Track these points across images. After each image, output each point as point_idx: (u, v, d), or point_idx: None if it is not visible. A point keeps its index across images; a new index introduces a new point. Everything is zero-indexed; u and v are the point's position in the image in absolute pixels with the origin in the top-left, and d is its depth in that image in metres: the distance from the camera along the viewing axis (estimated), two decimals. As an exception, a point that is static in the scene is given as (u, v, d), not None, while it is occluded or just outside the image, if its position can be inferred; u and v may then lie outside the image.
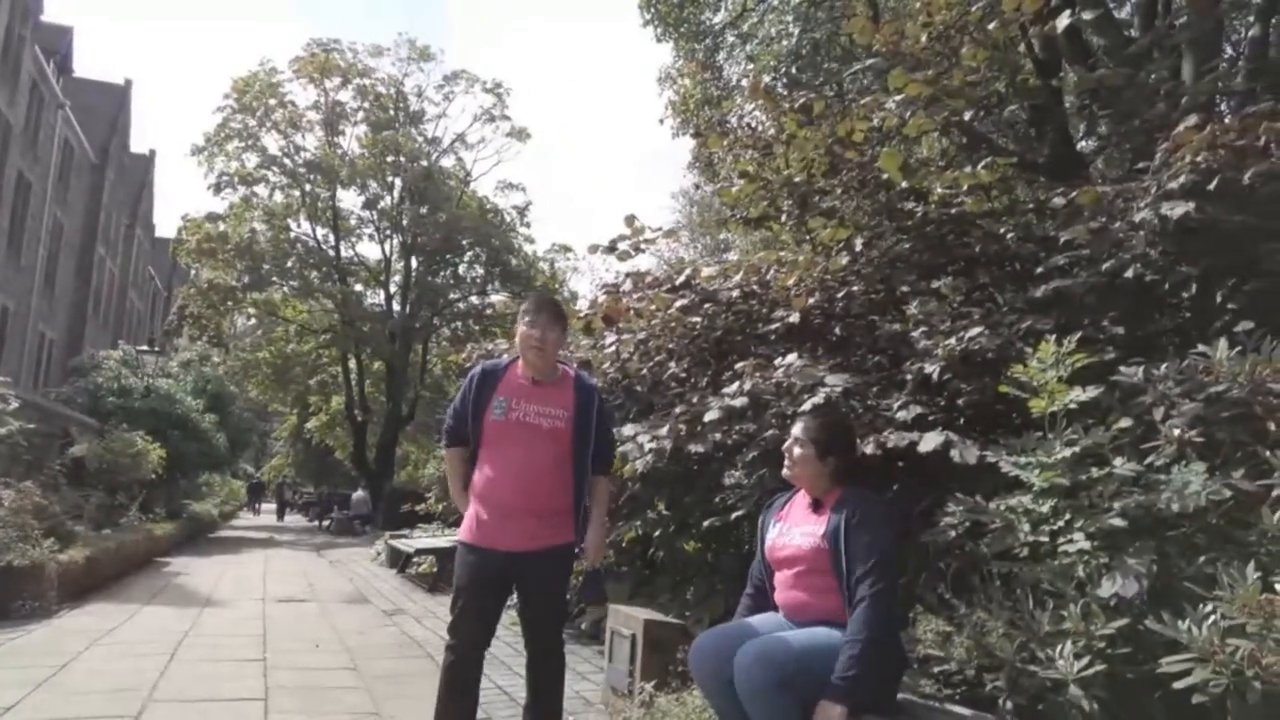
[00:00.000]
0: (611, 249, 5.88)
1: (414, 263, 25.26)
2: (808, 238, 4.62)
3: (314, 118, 23.82)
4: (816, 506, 2.69)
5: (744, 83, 9.69)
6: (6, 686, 3.87)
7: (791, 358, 4.01)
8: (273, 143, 23.65)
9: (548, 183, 66.93)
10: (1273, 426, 2.92)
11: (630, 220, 5.53)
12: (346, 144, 24.53)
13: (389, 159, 23.96)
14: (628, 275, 5.00)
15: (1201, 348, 3.18)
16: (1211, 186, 3.18)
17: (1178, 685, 2.23)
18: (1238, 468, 2.94)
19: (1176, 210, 3.33)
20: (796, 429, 2.78)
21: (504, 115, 25.42)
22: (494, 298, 26.78)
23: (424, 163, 24.58)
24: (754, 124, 7.02)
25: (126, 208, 33.99)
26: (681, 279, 4.54)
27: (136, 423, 12.83)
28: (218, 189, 22.99)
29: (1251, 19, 8.55)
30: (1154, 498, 2.77)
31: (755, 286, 4.86)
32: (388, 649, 5.26)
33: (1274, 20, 6.35)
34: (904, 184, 4.15)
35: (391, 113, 24.66)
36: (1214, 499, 2.64)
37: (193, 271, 24.25)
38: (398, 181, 24.43)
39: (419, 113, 25.33)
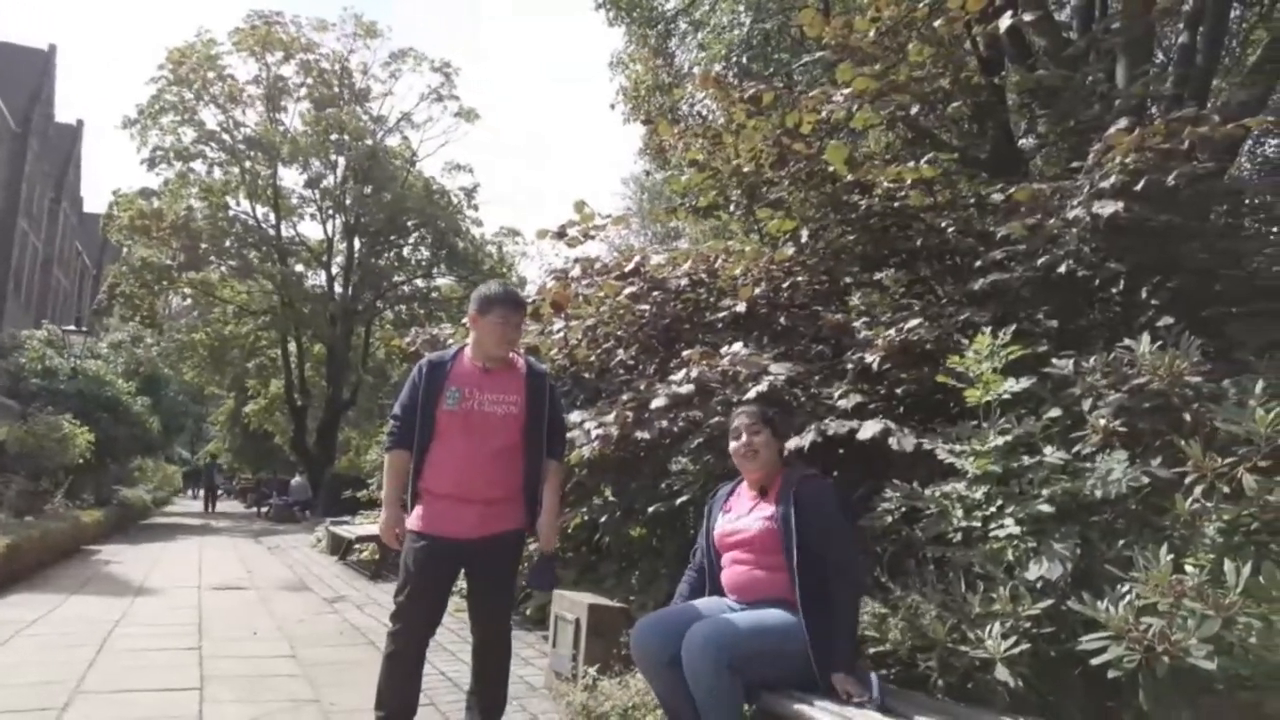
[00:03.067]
0: (561, 234, 5.86)
1: (357, 244, 24.68)
2: (755, 228, 4.66)
3: (255, 93, 23.05)
4: (763, 492, 2.75)
5: (696, 70, 9.72)
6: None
7: (737, 346, 4.06)
8: (211, 117, 22.84)
9: (497, 166, 66.07)
10: (1188, 417, 3.08)
11: (580, 206, 5.51)
12: (289, 120, 23.82)
13: (332, 136, 23.32)
14: (577, 261, 4.98)
15: (1127, 342, 3.34)
16: (1139, 187, 3.31)
17: (1095, 661, 2.35)
18: (1157, 455, 3.10)
19: (1107, 209, 3.46)
20: (746, 418, 2.79)
21: (452, 95, 24.98)
22: (440, 281, 26.39)
23: (369, 141, 23.98)
24: (705, 112, 7.05)
25: (51, 180, 32.44)
26: (630, 266, 4.55)
27: (62, 405, 12.31)
28: (152, 164, 22.10)
29: (1181, 25, 8.90)
30: (1080, 484, 2.90)
31: (704, 275, 4.90)
32: (329, 636, 5.19)
33: (1200, 28, 6.61)
34: (849, 177, 4.21)
35: (336, 89, 23.98)
36: (1133, 486, 2.78)
37: (125, 250, 23.27)
38: (341, 160, 23.80)
39: (364, 90, 24.70)
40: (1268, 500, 2.60)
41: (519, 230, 27.58)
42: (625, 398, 3.77)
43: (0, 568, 6.74)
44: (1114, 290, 4.01)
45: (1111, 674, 2.33)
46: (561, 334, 4.65)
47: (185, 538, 13.77)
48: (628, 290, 4.77)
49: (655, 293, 4.51)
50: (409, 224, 24.67)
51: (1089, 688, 2.55)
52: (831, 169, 4.55)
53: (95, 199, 45.11)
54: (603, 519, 4.75)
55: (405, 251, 25.98)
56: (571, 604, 3.75)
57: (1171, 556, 2.47)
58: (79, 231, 39.52)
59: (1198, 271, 3.89)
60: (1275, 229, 4.23)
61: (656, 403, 3.55)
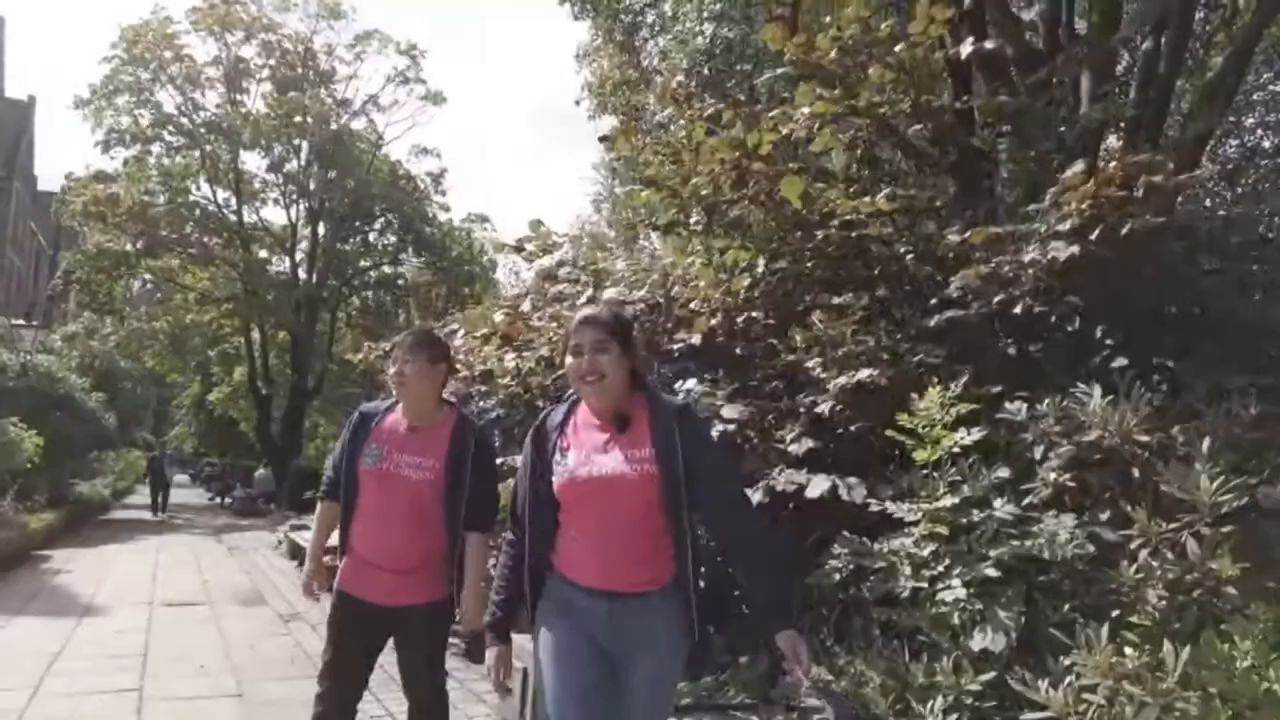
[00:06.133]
0: (519, 249, 5.75)
1: (321, 229, 24.22)
2: (712, 257, 4.57)
3: (214, 74, 22.40)
4: (621, 423, 2.04)
5: (661, 72, 9.56)
6: None
7: (691, 383, 3.99)
8: (168, 99, 22.17)
9: (467, 151, 65.19)
10: (1136, 473, 3.08)
11: (536, 225, 5.40)
12: (250, 103, 23.19)
13: (296, 119, 22.76)
14: (527, 294, 4.86)
15: (1081, 388, 3.32)
16: (1094, 236, 3.28)
17: (1036, 740, 2.34)
18: (1105, 509, 3.10)
19: (1063, 253, 3.43)
20: (588, 331, 2.04)
21: (419, 79, 24.47)
22: (407, 268, 26.01)
23: (333, 125, 23.46)
24: (666, 120, 6.91)
25: (1, 158, 31.43)
26: (585, 298, 4.45)
27: (10, 404, 11.93)
28: (107, 146, 21.44)
29: (1147, 29, 8.90)
30: (1028, 545, 2.88)
31: (660, 298, 4.81)
32: (278, 666, 5.08)
33: (1164, 34, 6.59)
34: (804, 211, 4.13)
35: (300, 70, 23.36)
36: (1079, 553, 2.76)
37: (80, 234, 22.63)
38: (305, 144, 23.27)
39: (329, 72, 24.11)
40: (1209, 567, 2.60)
41: (488, 216, 27.26)
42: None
43: (-60, 588, 6.51)
44: (1068, 328, 3.98)
45: (1052, 754, 2.32)
46: (514, 363, 4.54)
47: (143, 537, 13.52)
48: (580, 302, 4.68)
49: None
50: (375, 209, 24.24)
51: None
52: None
53: (51, 178, 43.76)
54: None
55: (371, 237, 25.54)
56: (519, 650, 3.68)
57: (1113, 635, 2.47)
58: (32, 211, 38.38)
59: (1149, 311, 3.88)
60: (1224, 264, 4.23)
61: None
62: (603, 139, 7.44)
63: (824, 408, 3.44)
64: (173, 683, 4.60)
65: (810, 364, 3.76)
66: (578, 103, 10.95)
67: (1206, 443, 2.92)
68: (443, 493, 2.63)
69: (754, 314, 4.10)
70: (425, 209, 25.22)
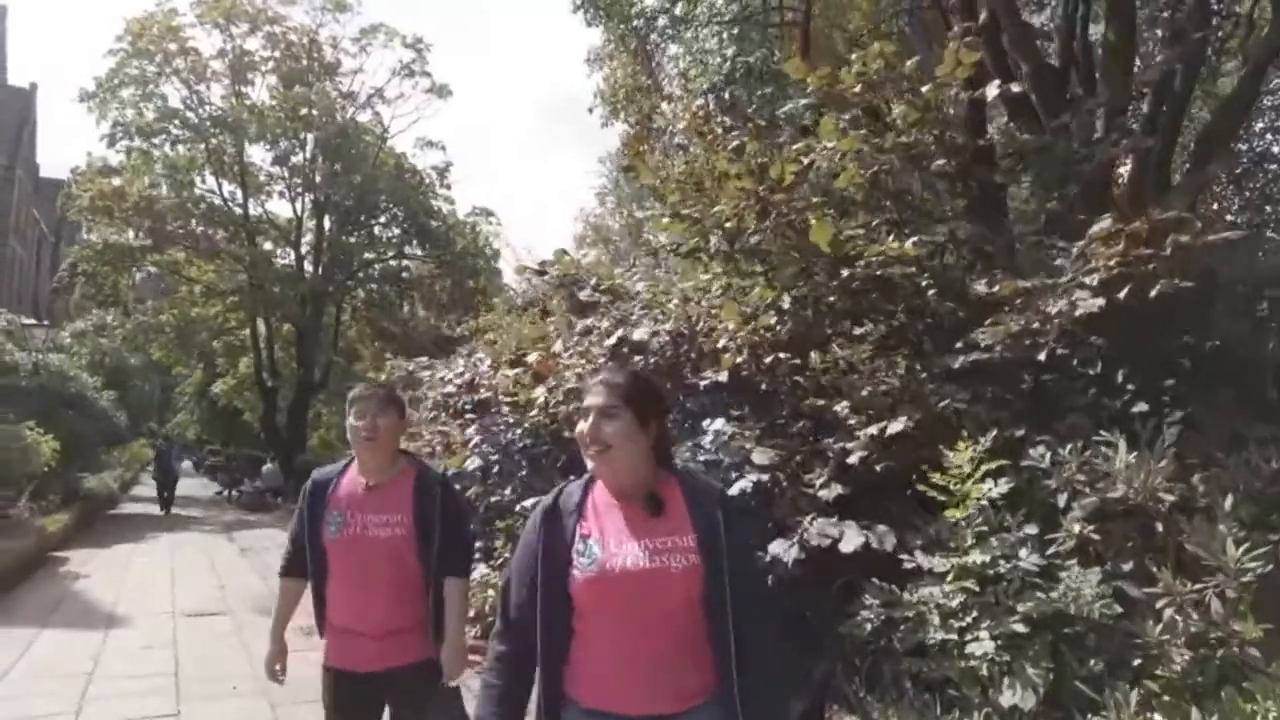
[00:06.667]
0: (541, 273, 5.83)
1: (327, 222, 24.23)
2: (736, 291, 4.65)
3: (219, 67, 22.32)
4: (653, 505, 1.74)
5: (675, 82, 9.57)
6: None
7: (720, 423, 4.07)
8: (174, 93, 22.11)
9: (473, 145, 65.00)
10: (1160, 527, 3.17)
11: (561, 254, 5.48)
12: (256, 95, 23.14)
13: (301, 112, 22.71)
14: (554, 335, 4.93)
15: (1104, 435, 3.41)
16: (1122, 295, 3.35)
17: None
18: (1128, 560, 3.20)
19: (1090, 305, 3.50)
20: (595, 394, 1.77)
21: (424, 71, 24.37)
22: (411, 261, 26.02)
23: (338, 118, 23.42)
24: (676, 131, 6.94)
25: (4, 146, 31.35)
26: (614, 339, 4.52)
27: (23, 404, 12.03)
28: (112, 140, 21.39)
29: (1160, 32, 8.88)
30: (1054, 599, 2.98)
31: (684, 329, 4.89)
32: (308, 687, 5.13)
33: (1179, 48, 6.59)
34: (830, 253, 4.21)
35: (305, 63, 23.30)
36: (1105, 612, 2.85)
37: (84, 226, 22.63)
38: (310, 137, 23.24)
39: (334, 64, 24.04)
40: (1233, 628, 2.70)
41: (493, 210, 27.20)
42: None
43: (-33, 597, 6.62)
44: (1090, 371, 4.06)
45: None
46: (542, 397, 4.62)
47: (153, 535, 13.61)
48: (609, 343, 4.77)
49: (636, 358, 4.49)
50: (380, 202, 24.23)
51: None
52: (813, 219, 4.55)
53: (52, 165, 43.66)
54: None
55: (376, 230, 25.54)
56: None
57: (1134, 686, 2.56)
58: (35, 199, 38.28)
59: (1168, 355, 3.96)
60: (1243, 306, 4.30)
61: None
62: (626, 169, 7.49)
63: (855, 458, 3.52)
64: (209, 706, 4.70)
65: (838, 408, 3.85)
66: (591, 110, 10.98)
67: (1229, 501, 3.02)
68: (416, 545, 2.55)
69: (780, 354, 4.17)
70: (430, 203, 25.21)
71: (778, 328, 4.41)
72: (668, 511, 1.74)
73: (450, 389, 5.63)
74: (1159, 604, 2.80)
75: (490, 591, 6.29)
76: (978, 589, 3.06)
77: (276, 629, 2.76)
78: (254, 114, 22.26)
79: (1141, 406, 3.65)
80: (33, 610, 7.24)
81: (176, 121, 21.92)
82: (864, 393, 3.99)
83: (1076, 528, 3.19)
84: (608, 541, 1.71)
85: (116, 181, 21.16)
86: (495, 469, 5.00)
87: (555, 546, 1.73)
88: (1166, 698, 2.67)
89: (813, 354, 4.08)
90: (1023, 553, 3.17)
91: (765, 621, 1.76)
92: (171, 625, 6.81)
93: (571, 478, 1.89)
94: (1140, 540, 3.18)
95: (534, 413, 4.71)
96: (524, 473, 4.91)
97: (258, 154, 23.47)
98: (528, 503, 4.37)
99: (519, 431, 4.96)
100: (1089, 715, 2.63)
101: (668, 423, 1.80)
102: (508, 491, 4.93)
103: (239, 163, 22.81)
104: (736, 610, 1.69)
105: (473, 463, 5.05)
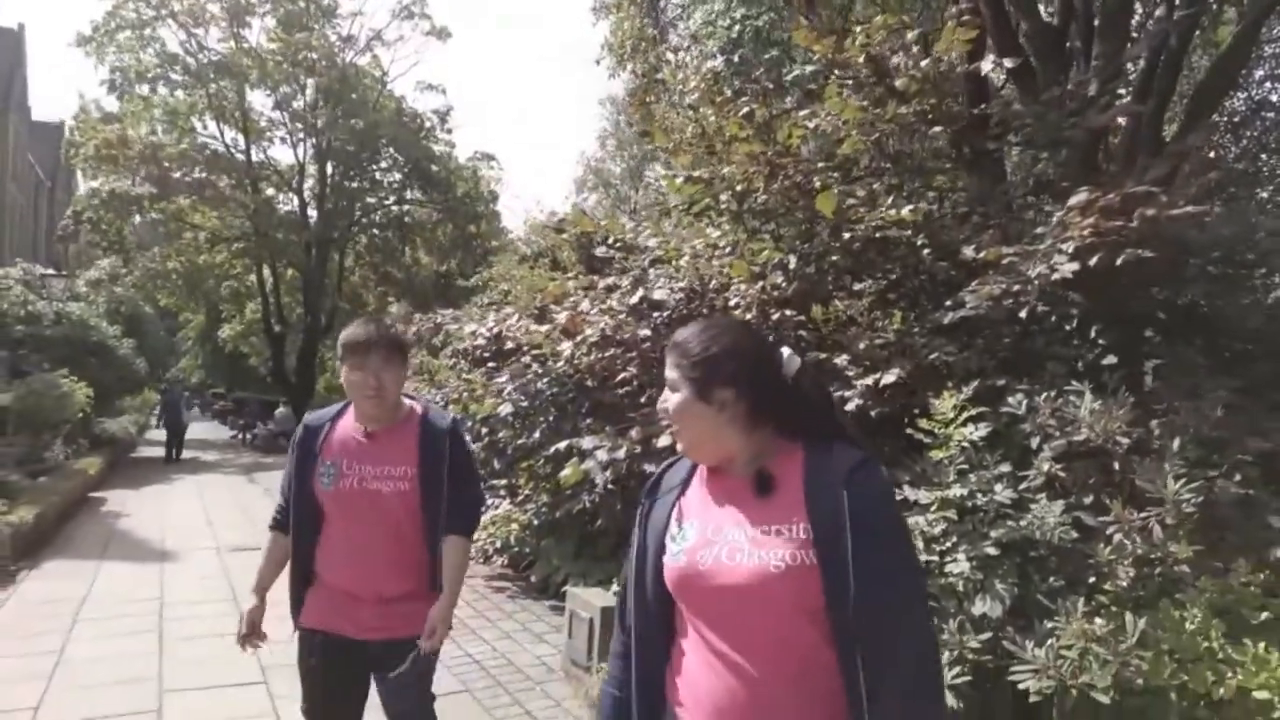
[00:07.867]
0: (560, 230, 6.20)
1: (329, 168, 24.31)
2: (745, 250, 5.04)
3: (216, 10, 22.10)
4: (762, 484, 1.37)
5: (681, 28, 9.73)
6: (15, 681, 4.18)
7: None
8: (171, 37, 21.96)
9: (472, 88, 63.92)
10: (1117, 467, 3.65)
11: (579, 212, 5.84)
12: (254, 38, 22.97)
13: (301, 56, 22.58)
14: (586, 291, 5.33)
15: (1074, 385, 3.86)
16: (1093, 262, 3.75)
17: (1021, 687, 2.97)
18: (1088, 495, 3.68)
19: (1065, 271, 3.91)
20: (667, 364, 1.46)
21: (424, 13, 24.20)
22: (411, 206, 26.15)
23: (338, 61, 23.30)
24: (681, 85, 7.22)
25: (-1, 90, 31.08)
26: (636, 298, 4.93)
27: (49, 352, 12.45)
28: (112, 86, 21.34)
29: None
30: (1022, 526, 3.47)
31: (696, 286, 5.30)
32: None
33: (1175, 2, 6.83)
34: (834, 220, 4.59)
35: (303, 4, 23.08)
36: (1064, 537, 3.34)
37: (86, 173, 22.69)
38: (310, 81, 23.17)
39: (332, 6, 23.81)
40: (1170, 549, 3.20)
41: (494, 155, 27.24)
42: (633, 433, 4.23)
43: (30, 535, 7.16)
44: (1068, 327, 4.50)
45: (1033, 698, 2.96)
46: (568, 350, 5.06)
47: (178, 477, 14.20)
48: (631, 300, 5.19)
49: (655, 314, 4.91)
50: (381, 142, 24.24)
51: (1016, 706, 3.18)
52: (818, 181, 4.93)
53: (44, 106, 43.07)
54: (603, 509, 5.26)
55: (377, 175, 25.62)
56: (585, 603, 4.31)
57: (1088, 602, 3.07)
58: (29, 143, 38.02)
59: (1141, 313, 4.40)
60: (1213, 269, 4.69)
61: (663, 441, 4.02)
62: (643, 134, 7.77)
63: (852, 405, 3.98)
64: (271, 626, 5.24)
65: (839, 360, 4.29)
66: (598, 62, 11.14)
67: (1177, 442, 3.49)
68: (421, 501, 2.33)
69: (786, 311, 4.59)
70: (430, 147, 25.24)
71: (784, 285, 4.82)
72: (780, 491, 1.36)
73: (480, 340, 6.06)
74: (1110, 530, 3.28)
75: (514, 525, 6.86)
76: (957, 518, 3.54)
77: (262, 583, 2.52)
78: (254, 59, 22.14)
79: (1111, 359, 4.10)
80: (87, 546, 7.79)
81: (178, 67, 21.81)
82: (861, 345, 4.44)
83: (1046, 466, 3.66)
84: (706, 527, 1.39)
85: (115, 126, 21.18)
86: (525, 414, 5.49)
87: (653, 527, 1.47)
88: (1114, 608, 3.18)
89: (815, 307, 4.52)
90: (998, 487, 3.64)
91: (906, 646, 1.27)
92: (219, 560, 7.37)
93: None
94: (1099, 477, 3.66)
95: (560, 364, 5.16)
96: (553, 417, 5.39)
97: (258, 99, 23.43)
98: (560, 445, 4.85)
99: (545, 381, 5.42)
100: (1044, 620, 3.14)
101: (774, 382, 1.40)
102: (536, 434, 5.42)
103: (240, 108, 22.78)
104: (863, 628, 1.26)
105: (505, 408, 5.52)
